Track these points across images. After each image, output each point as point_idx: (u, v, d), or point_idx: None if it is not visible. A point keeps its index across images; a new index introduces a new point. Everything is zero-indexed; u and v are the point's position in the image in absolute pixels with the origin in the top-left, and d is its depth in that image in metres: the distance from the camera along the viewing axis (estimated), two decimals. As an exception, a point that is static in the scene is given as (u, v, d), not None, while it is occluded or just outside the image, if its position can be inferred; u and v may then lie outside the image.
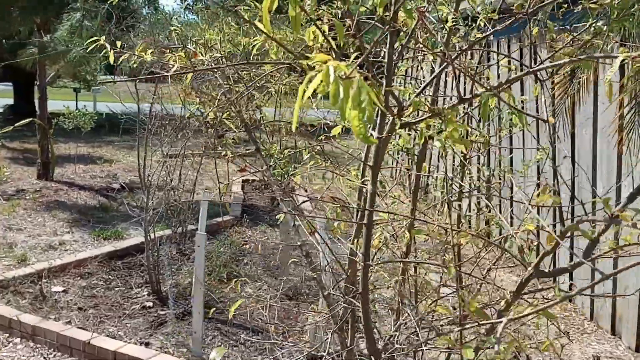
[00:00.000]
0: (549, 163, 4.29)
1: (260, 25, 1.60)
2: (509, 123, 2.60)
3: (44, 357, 3.84)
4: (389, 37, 1.56)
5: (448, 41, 1.62)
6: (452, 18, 1.69)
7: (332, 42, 1.54)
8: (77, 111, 9.23)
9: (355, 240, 1.76)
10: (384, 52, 1.64)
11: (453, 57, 1.50)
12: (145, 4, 19.61)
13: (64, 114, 9.16)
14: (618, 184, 4.22)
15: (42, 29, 8.52)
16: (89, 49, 2.30)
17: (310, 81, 0.91)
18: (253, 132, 2.43)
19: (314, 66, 1.34)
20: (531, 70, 1.48)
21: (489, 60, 5.28)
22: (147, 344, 3.94)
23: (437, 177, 2.56)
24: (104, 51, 2.06)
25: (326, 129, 2.58)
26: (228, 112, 2.46)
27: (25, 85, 17.79)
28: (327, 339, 2.17)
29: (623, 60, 1.29)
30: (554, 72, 4.53)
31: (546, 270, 1.58)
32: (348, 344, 1.99)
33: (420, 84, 2.22)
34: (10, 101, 17.50)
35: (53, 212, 7.00)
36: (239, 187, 8.43)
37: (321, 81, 0.89)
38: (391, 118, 1.55)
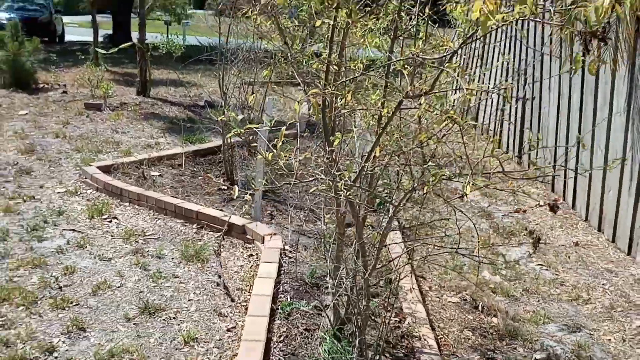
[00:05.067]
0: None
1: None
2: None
3: (145, 214, 5.15)
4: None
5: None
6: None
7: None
8: (169, 39, 10.51)
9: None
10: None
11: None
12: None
13: (156, 44, 10.47)
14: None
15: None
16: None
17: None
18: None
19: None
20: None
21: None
22: (220, 211, 5.15)
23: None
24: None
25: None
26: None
27: (123, 16, 19.44)
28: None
29: None
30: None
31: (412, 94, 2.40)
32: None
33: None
34: (110, 32, 19.20)
35: (150, 121, 8.38)
36: (305, 109, 9.45)
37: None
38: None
